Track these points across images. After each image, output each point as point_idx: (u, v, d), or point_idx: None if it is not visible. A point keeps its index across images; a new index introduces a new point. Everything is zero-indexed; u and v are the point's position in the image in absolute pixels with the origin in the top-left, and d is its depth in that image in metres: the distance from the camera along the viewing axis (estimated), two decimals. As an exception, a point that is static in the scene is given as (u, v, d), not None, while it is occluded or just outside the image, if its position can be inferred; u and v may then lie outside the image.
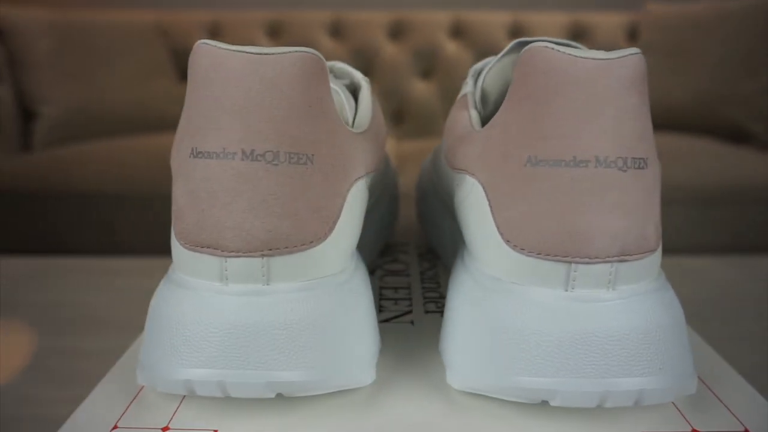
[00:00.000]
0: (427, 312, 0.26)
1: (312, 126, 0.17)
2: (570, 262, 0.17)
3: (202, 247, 0.17)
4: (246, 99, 0.17)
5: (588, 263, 0.17)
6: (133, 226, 0.89)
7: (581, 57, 0.16)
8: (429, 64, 1.33)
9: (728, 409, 0.19)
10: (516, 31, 1.34)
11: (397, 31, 1.35)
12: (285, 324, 0.17)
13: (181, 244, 0.18)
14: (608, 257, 0.17)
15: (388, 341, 0.23)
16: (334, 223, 0.18)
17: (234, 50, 0.17)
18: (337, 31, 1.34)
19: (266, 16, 1.34)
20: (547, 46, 0.17)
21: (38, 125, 1.07)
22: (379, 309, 0.26)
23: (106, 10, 1.28)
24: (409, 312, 0.26)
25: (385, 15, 1.35)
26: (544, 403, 0.19)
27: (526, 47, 0.17)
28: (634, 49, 0.17)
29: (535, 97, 0.17)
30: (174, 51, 1.28)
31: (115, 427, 0.18)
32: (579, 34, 1.34)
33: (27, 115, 1.08)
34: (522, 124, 0.17)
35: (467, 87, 0.24)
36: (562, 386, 0.16)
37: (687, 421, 0.18)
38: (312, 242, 0.18)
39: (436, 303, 0.27)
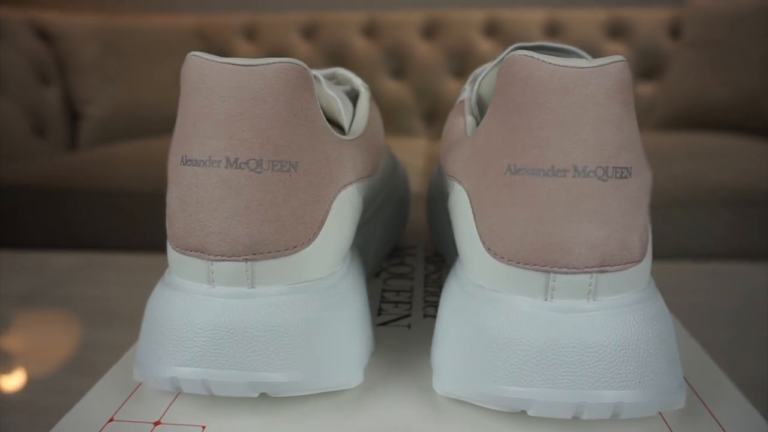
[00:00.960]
0: (425, 316, 0.26)
1: (296, 134, 0.18)
2: (548, 272, 0.17)
3: (190, 251, 0.18)
4: (231, 109, 0.17)
5: (566, 273, 0.17)
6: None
7: (561, 66, 0.16)
8: (463, 64, 1.32)
9: (719, 424, 0.18)
10: (552, 28, 1.32)
11: (430, 31, 1.34)
12: (268, 326, 0.18)
13: (172, 247, 0.18)
14: (587, 268, 0.16)
15: (383, 344, 0.24)
16: (319, 228, 0.19)
17: (220, 62, 0.17)
18: (371, 31, 1.35)
19: (301, 18, 1.36)
20: (527, 55, 0.17)
21: (83, 125, 1.12)
22: (379, 312, 0.26)
23: (149, 15, 1.32)
24: (408, 315, 0.26)
25: (419, 14, 1.35)
26: (523, 413, 0.18)
27: (508, 56, 0.17)
28: (617, 57, 0.17)
29: (515, 106, 0.17)
30: (211, 53, 1.32)
31: (111, 419, 0.19)
32: (617, 31, 1.31)
33: (73, 115, 1.13)
34: (503, 132, 0.17)
35: (465, 92, 0.24)
36: (537, 396, 0.16)
37: (674, 435, 0.18)
38: (296, 247, 0.18)
39: (436, 307, 0.27)
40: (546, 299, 0.17)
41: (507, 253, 0.17)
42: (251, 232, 0.17)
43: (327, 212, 0.19)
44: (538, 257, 0.17)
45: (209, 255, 0.18)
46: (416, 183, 0.92)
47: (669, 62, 1.27)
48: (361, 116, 0.23)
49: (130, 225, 0.92)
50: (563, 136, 0.16)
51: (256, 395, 0.18)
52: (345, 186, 0.20)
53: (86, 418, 0.19)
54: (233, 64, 0.17)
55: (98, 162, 0.98)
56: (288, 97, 0.18)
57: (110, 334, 0.40)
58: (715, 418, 0.19)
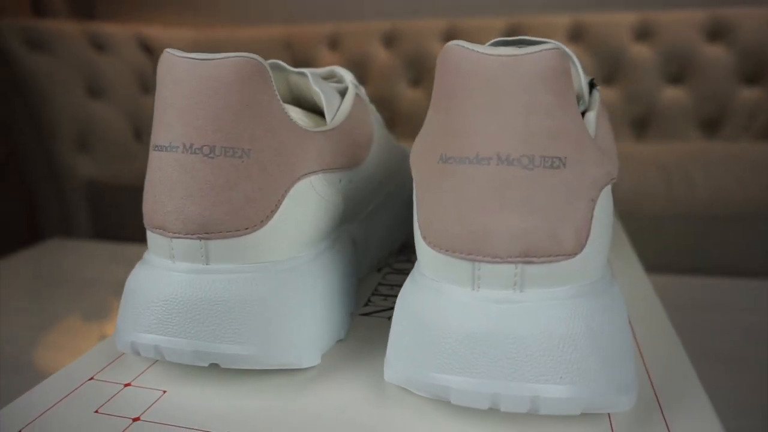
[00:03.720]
0: (409, 309, 0.26)
1: (249, 123, 0.19)
2: (473, 261, 0.17)
3: (155, 228, 0.20)
4: (188, 99, 0.19)
5: (490, 262, 0.16)
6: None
7: (488, 54, 0.16)
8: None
9: (671, 435, 0.17)
10: (643, 31, 1.25)
11: (511, 36, 1.32)
12: (217, 300, 0.19)
13: (145, 225, 0.20)
14: (510, 257, 0.16)
15: (358, 332, 0.24)
16: (272, 212, 0.20)
17: (181, 56, 0.19)
18: (450, 37, 1.35)
19: (382, 26, 1.39)
20: (458, 44, 0.17)
21: (177, 130, 1.22)
22: (366, 303, 0.27)
23: (240, 28, 1.42)
24: (392, 308, 0.26)
25: (501, 21, 1.33)
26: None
27: (445, 46, 0.17)
28: (551, 44, 0.16)
29: (447, 95, 0.17)
30: (295, 61, 1.38)
31: (92, 378, 0.21)
32: (718, 33, 1.21)
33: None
34: (438, 121, 0.17)
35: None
36: (454, 384, 0.16)
37: (616, 441, 0.17)
38: (247, 229, 0.19)
39: (423, 302, 0.27)
40: (473, 288, 0.17)
41: (438, 241, 0.17)
42: (203, 213, 0.19)
43: (282, 197, 0.20)
44: (464, 246, 0.17)
45: (169, 232, 0.19)
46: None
47: (777, 65, 1.16)
48: (342, 110, 0.24)
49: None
50: (488, 124, 0.16)
51: (206, 364, 0.19)
52: (306, 174, 0.21)
53: (72, 375, 0.21)
54: (192, 59, 0.19)
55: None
56: (240, 89, 0.19)
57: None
58: (667, 426, 0.17)
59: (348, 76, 0.27)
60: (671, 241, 0.83)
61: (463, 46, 0.17)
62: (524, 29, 1.31)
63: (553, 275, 0.16)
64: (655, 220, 0.83)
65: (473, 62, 0.16)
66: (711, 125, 1.23)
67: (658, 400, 0.19)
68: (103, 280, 0.58)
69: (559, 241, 0.16)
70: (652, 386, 0.20)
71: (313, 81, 0.24)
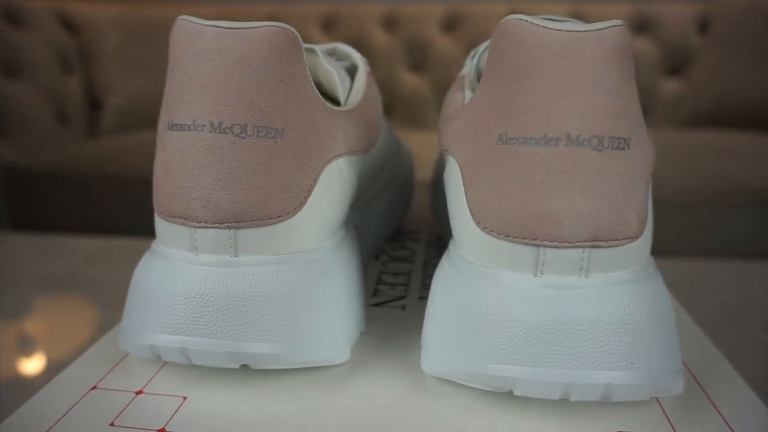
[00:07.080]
0: (421, 298, 0.25)
1: (282, 101, 0.17)
2: (538, 246, 0.16)
3: (174, 217, 0.18)
4: (216, 72, 0.17)
5: (557, 247, 0.16)
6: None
7: (555, 30, 0.16)
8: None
9: (720, 413, 0.17)
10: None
11: (451, 24, 1.33)
12: (250, 296, 0.17)
13: (157, 214, 0.18)
14: (579, 242, 0.16)
15: (375, 324, 0.23)
16: (305, 198, 0.18)
17: (207, 25, 0.17)
18: (390, 23, 1.34)
19: (321, 10, 1.36)
20: (520, 19, 0.16)
21: (104, 114, 1.14)
22: (374, 293, 0.26)
23: (171, 6, 1.34)
24: (403, 297, 0.25)
25: (440, 8, 1.34)
26: (510, 394, 0.18)
27: (502, 20, 0.17)
28: (616, 21, 0.16)
29: (507, 73, 0.16)
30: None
31: (95, 387, 0.19)
32: (642, 26, 1.28)
33: (94, 104, 1.14)
34: (495, 100, 0.17)
35: (466, 67, 0.23)
36: (523, 375, 0.16)
37: (670, 423, 0.17)
38: (280, 216, 0.18)
39: (433, 290, 0.26)
40: (536, 275, 0.16)
41: (496, 226, 0.17)
42: (235, 199, 0.17)
43: (315, 182, 0.18)
44: (528, 230, 0.16)
45: (192, 222, 0.17)
46: (430, 173, 0.91)
47: (696, 58, 1.24)
48: (357, 90, 0.23)
49: (151, 211, 0.93)
50: (556, 103, 0.15)
51: (236, 366, 0.18)
52: (335, 157, 0.19)
53: (70, 385, 0.19)
54: (220, 27, 0.17)
55: (120, 150, 1.00)
56: (274, 62, 0.17)
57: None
58: (715, 406, 0.18)
59: (356, 55, 0.25)
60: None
61: (527, 20, 0.16)
62: (463, 16, 1.32)
63: (616, 259, 0.16)
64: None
65: (540, 38, 0.16)
66: (638, 114, 1.30)
67: (698, 382, 0.19)
68: (32, 276, 0.52)
69: (624, 224, 0.16)
70: (689, 369, 0.20)
71: (324, 59, 0.23)
